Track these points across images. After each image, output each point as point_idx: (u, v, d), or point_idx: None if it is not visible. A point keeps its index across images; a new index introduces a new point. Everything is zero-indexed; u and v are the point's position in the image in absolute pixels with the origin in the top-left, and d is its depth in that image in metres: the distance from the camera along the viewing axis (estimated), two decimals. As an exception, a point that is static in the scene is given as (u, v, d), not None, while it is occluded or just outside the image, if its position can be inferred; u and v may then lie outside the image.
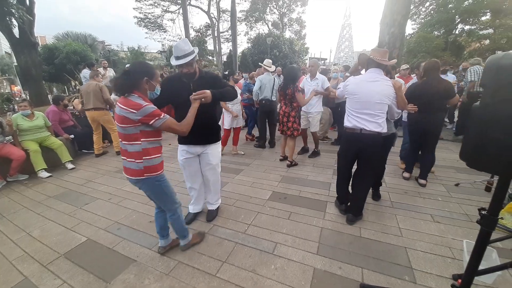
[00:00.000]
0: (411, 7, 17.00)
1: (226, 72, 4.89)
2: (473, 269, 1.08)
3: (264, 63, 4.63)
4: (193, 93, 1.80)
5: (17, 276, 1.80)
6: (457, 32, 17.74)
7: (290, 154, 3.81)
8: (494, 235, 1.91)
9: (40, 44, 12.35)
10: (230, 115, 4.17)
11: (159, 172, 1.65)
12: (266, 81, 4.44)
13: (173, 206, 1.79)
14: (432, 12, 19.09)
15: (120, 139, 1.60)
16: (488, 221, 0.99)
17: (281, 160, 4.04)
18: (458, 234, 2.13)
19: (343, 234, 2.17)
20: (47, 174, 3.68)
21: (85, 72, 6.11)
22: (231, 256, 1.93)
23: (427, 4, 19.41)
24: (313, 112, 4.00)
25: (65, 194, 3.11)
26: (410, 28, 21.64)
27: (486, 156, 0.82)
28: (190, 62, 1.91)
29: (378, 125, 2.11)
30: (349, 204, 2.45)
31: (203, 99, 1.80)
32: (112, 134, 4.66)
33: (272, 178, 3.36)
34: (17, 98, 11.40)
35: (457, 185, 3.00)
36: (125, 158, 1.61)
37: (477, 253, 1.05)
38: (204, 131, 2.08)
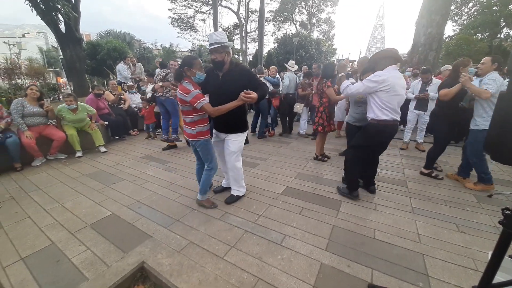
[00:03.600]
0: (452, 7, 15.70)
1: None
2: (490, 274, 1.00)
3: (288, 63, 5.60)
4: (244, 91, 2.09)
5: (44, 241, 1.99)
6: (502, 36, 16.01)
7: (316, 148, 3.96)
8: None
9: (84, 40, 13.53)
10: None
11: (205, 137, 2.27)
12: (292, 78, 5.37)
13: (212, 164, 2.38)
14: (475, 13, 17.39)
15: (183, 115, 2.24)
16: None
17: (314, 158, 4.00)
18: (485, 246, 1.95)
19: (356, 234, 2.11)
20: (80, 154, 4.10)
21: (120, 66, 6.53)
22: (239, 242, 1.98)
23: (470, 4, 17.75)
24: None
25: (96, 173, 3.41)
26: (450, 29, 20.06)
27: (507, 148, 0.76)
28: (218, 49, 2.12)
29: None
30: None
31: (249, 100, 2.10)
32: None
33: (287, 174, 3.36)
34: (62, 89, 12.63)
35: (490, 196, 2.74)
36: (186, 126, 2.25)
37: (497, 257, 0.98)
38: (229, 122, 2.35)
